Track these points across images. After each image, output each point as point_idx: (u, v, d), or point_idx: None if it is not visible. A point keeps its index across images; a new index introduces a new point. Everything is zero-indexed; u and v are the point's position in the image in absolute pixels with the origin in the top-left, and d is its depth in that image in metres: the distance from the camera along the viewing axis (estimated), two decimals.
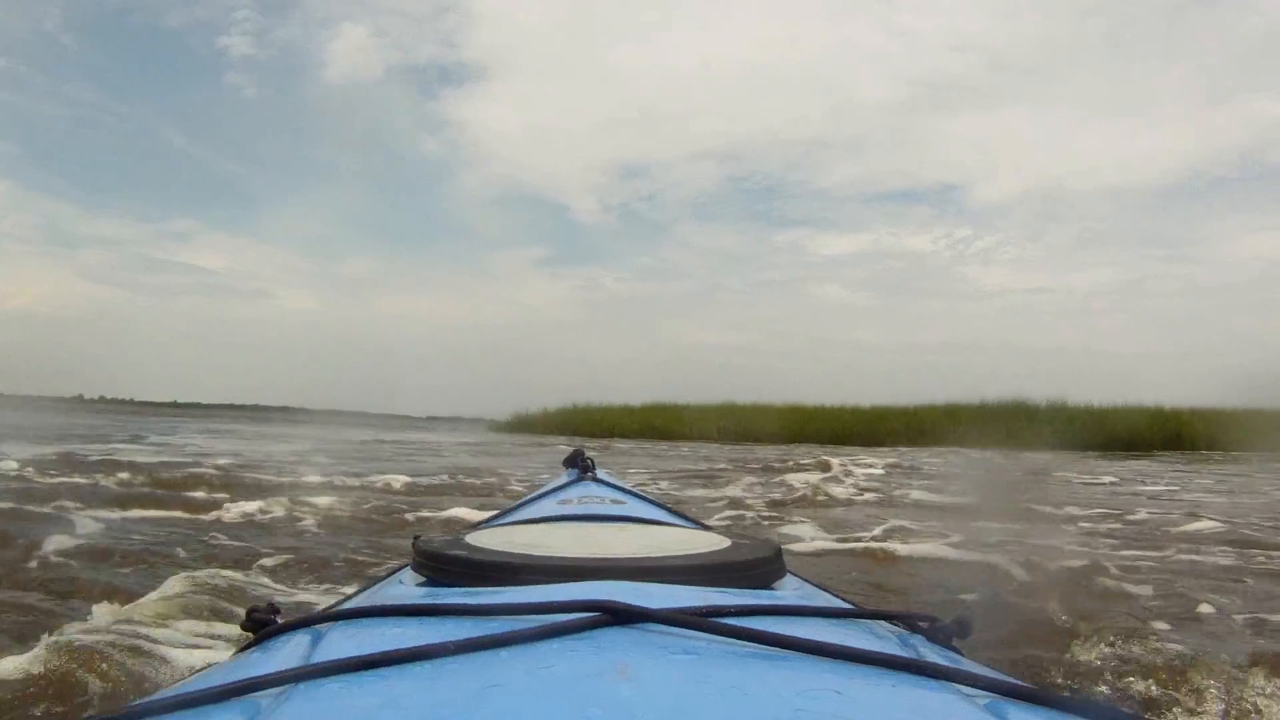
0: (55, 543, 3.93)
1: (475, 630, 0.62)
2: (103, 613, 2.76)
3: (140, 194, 78.64)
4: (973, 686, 0.58)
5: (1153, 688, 2.31)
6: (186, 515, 5.31)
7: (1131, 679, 2.38)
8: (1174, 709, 2.20)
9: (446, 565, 0.91)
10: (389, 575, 1.17)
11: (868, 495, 8.04)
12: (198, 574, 3.25)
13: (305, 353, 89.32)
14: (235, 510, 5.53)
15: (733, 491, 8.10)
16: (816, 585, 1.08)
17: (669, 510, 1.72)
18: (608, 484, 2.00)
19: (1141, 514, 6.73)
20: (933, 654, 0.71)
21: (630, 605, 0.64)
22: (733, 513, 6.33)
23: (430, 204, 78.29)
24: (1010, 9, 59.96)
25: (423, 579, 0.94)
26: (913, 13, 63.12)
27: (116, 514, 5.15)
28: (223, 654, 2.20)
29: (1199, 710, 2.18)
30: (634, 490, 1.98)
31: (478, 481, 8.55)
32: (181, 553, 3.98)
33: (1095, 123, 58.94)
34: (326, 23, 66.88)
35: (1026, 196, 64.70)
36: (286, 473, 8.41)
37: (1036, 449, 18.04)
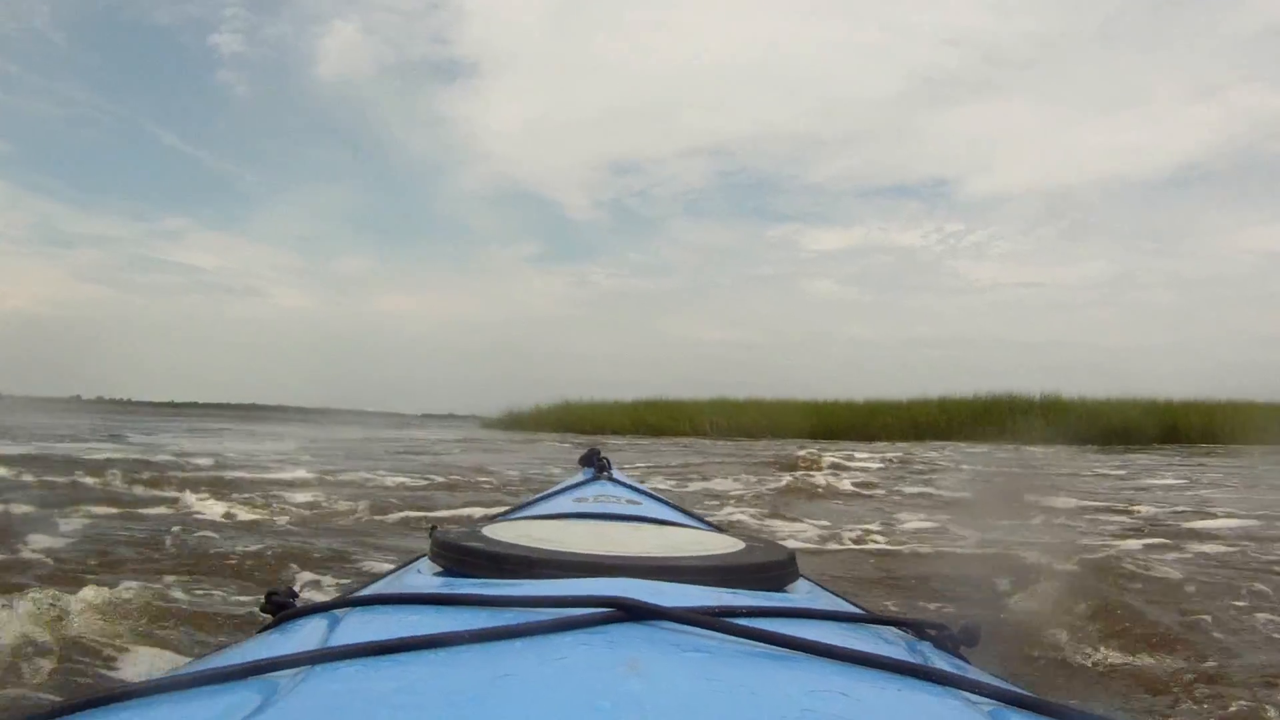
0: None
1: (490, 621, 0.63)
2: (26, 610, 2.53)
3: (133, 193, 78.10)
4: (977, 694, 0.59)
5: (1165, 700, 2.17)
6: (150, 513, 5.08)
7: (1141, 691, 2.24)
8: None
9: (463, 556, 0.93)
10: (407, 564, 1.19)
11: (862, 491, 7.95)
12: (145, 577, 3.03)
13: (299, 351, 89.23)
14: (208, 510, 5.31)
15: (724, 486, 8.00)
16: (828, 590, 1.09)
17: (684, 512, 1.75)
18: (623, 484, 2.04)
19: (1151, 509, 6.55)
20: (939, 660, 0.72)
21: (643, 602, 0.65)
22: (726, 510, 6.16)
23: (422, 201, 77.84)
24: (1004, 2, 59.89)
25: (440, 569, 0.97)
26: (906, 6, 63.17)
27: (71, 515, 4.90)
28: (216, 646, 1.99)
29: None
30: (650, 491, 2.00)
31: (466, 479, 8.40)
32: (129, 553, 3.75)
33: (1087, 117, 58.88)
34: (317, 20, 66.36)
35: (1018, 191, 64.90)
36: (270, 470, 8.20)
37: (1032, 443, 18.00)
